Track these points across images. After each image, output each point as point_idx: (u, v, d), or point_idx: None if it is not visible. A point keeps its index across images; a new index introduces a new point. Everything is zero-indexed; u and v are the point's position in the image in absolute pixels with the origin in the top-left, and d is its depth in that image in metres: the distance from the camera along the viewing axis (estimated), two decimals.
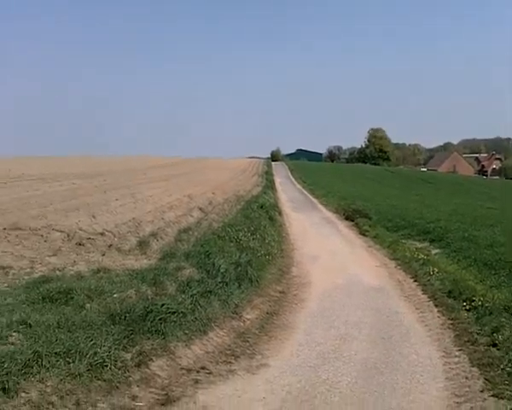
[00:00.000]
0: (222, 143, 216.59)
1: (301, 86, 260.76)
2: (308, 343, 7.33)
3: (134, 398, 5.27)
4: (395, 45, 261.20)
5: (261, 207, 20.32)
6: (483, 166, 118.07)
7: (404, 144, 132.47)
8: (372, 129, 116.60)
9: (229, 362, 6.59)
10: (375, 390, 5.88)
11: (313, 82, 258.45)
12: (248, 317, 8.32)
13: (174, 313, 7.04)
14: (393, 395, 5.79)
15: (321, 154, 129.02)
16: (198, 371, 6.19)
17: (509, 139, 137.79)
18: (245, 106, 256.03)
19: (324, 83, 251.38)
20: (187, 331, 6.93)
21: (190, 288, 8.21)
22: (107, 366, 5.47)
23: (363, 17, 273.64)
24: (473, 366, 6.43)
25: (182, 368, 6.21)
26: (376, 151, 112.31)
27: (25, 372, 4.97)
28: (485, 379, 6.00)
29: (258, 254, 11.69)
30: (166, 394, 5.50)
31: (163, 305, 7.09)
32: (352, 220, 20.60)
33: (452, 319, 8.22)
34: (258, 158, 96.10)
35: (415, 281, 10.85)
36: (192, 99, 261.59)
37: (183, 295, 7.77)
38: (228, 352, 6.92)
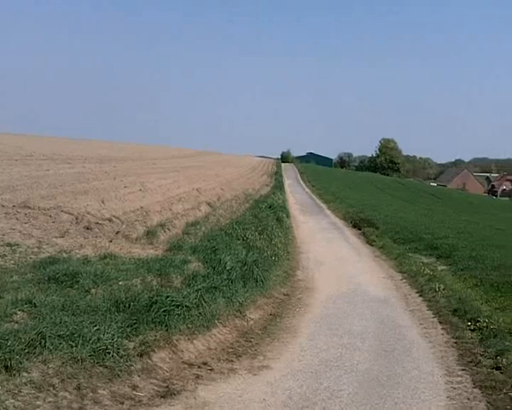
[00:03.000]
0: (232, 139, 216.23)
1: (316, 91, 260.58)
2: (311, 349, 7.27)
3: (134, 387, 5.25)
4: (415, 59, 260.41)
5: (269, 207, 20.28)
6: (493, 186, 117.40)
7: (414, 157, 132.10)
8: (384, 139, 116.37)
9: (231, 360, 6.56)
10: (376, 403, 5.81)
11: (328, 88, 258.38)
12: (252, 317, 8.28)
13: (178, 306, 6.98)
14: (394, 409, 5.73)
15: (331, 159, 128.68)
16: (200, 367, 6.17)
17: None
18: (258, 105, 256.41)
19: (339, 89, 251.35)
20: (190, 326, 6.90)
21: (196, 282, 8.17)
22: (109, 353, 5.44)
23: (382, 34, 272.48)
24: (475, 388, 6.34)
25: (184, 362, 6.18)
26: (387, 162, 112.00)
27: (28, 352, 4.96)
28: (488, 402, 5.91)
29: (265, 255, 11.63)
30: (167, 386, 5.48)
31: (168, 297, 7.03)
32: (360, 229, 20.50)
33: (456, 338, 8.11)
34: (269, 158, 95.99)
35: (420, 296, 10.74)
36: (206, 93, 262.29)
37: (189, 289, 7.74)
38: (230, 350, 6.90)
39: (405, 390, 6.22)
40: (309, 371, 6.50)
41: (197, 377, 5.90)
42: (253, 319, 8.20)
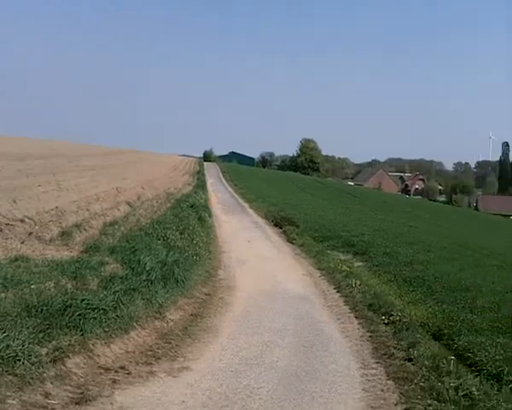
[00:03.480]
0: (154, 137, 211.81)
1: (237, 89, 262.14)
2: (231, 348, 7.29)
3: (47, 395, 5.01)
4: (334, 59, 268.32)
5: (191, 206, 20.13)
6: (407, 185, 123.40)
7: (333, 157, 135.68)
8: (304, 139, 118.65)
9: (150, 363, 6.43)
10: (295, 398, 5.92)
11: (249, 87, 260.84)
12: (172, 318, 8.17)
13: (95, 309, 6.75)
14: (312, 404, 5.85)
15: (253, 158, 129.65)
16: (117, 371, 5.99)
17: (432, 162, 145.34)
18: (180, 102, 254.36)
19: (261, 89, 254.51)
20: (107, 329, 6.69)
21: (113, 284, 7.94)
22: (19, 360, 5.16)
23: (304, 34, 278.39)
24: (389, 379, 6.61)
25: (100, 367, 5.99)
26: (307, 161, 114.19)
27: None
28: (400, 393, 6.18)
29: (186, 255, 11.52)
30: (82, 392, 5.27)
31: (83, 300, 6.79)
32: (281, 227, 20.79)
33: (371, 332, 8.43)
34: (191, 157, 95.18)
35: (338, 292, 11.06)
36: (126, 86, 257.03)
37: (106, 292, 7.50)
38: (149, 353, 6.76)
39: (323, 384, 6.39)
40: (229, 370, 6.51)
41: (114, 381, 5.72)
42: (173, 320, 8.09)
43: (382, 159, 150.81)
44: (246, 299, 10.01)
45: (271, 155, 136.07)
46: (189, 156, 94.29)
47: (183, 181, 36.99)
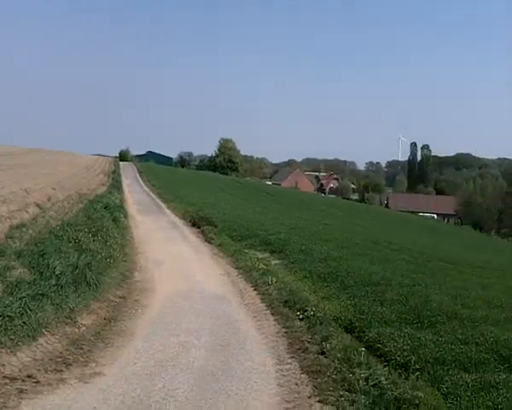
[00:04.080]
0: (67, 135, 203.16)
1: (154, 89, 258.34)
2: (146, 351, 7.17)
3: None
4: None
5: (105, 207, 19.52)
6: (322, 184, 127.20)
7: (251, 157, 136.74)
8: (223, 139, 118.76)
9: (60, 370, 6.19)
10: (211, 397, 5.93)
11: (167, 86, 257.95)
12: (84, 322, 7.91)
13: None
14: (227, 402, 5.90)
15: (171, 158, 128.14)
16: (24, 380, 5.71)
17: (345, 161, 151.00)
18: (95, 101, 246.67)
19: (178, 88, 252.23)
20: (13, 337, 6.36)
21: (20, 290, 7.55)
22: None
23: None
24: (303, 373, 6.79)
25: (5, 377, 5.67)
26: (226, 161, 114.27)
27: None
28: (314, 386, 6.36)
29: (99, 257, 11.17)
30: None
31: None
32: (199, 227, 20.67)
33: (287, 328, 8.59)
34: (106, 156, 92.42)
35: (254, 290, 11.17)
36: (35, 89, 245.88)
37: (11, 298, 7.12)
38: (59, 360, 6.49)
39: (239, 382, 6.44)
40: (144, 373, 6.41)
41: (21, 391, 5.45)
42: (85, 325, 7.83)
43: (299, 159, 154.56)
44: (162, 300, 9.88)
45: (190, 154, 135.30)
46: (104, 156, 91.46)
47: (97, 181, 35.79)
